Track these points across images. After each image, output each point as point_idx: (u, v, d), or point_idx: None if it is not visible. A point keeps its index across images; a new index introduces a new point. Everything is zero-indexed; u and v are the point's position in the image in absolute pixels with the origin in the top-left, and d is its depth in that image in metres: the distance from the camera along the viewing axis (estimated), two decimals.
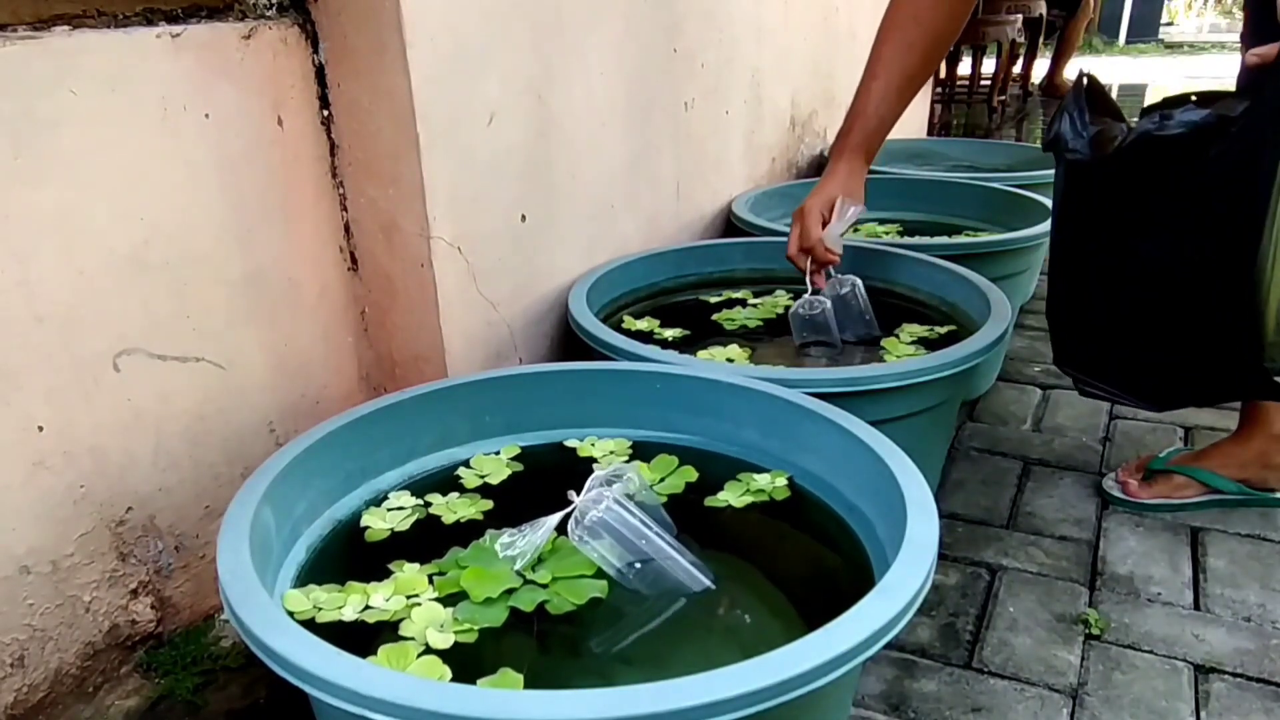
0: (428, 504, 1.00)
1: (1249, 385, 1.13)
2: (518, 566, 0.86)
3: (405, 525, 0.97)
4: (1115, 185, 1.08)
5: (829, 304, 1.39)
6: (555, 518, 0.87)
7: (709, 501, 1.00)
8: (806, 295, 1.39)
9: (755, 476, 1.03)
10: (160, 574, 1.05)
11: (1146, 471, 1.41)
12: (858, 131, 1.35)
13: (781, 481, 1.02)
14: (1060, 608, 1.17)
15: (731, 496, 1.01)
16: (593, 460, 1.08)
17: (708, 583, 0.86)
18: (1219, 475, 1.37)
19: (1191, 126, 1.01)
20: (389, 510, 0.99)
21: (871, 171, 2.31)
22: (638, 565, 0.86)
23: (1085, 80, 1.13)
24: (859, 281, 1.43)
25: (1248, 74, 1.08)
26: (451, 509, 0.99)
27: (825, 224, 1.35)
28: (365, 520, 0.97)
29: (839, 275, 1.44)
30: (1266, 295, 0.98)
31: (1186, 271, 1.04)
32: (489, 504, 1.00)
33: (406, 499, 1.01)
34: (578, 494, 0.90)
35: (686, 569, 0.86)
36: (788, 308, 1.54)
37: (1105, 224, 1.11)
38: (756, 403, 1.06)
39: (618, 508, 0.86)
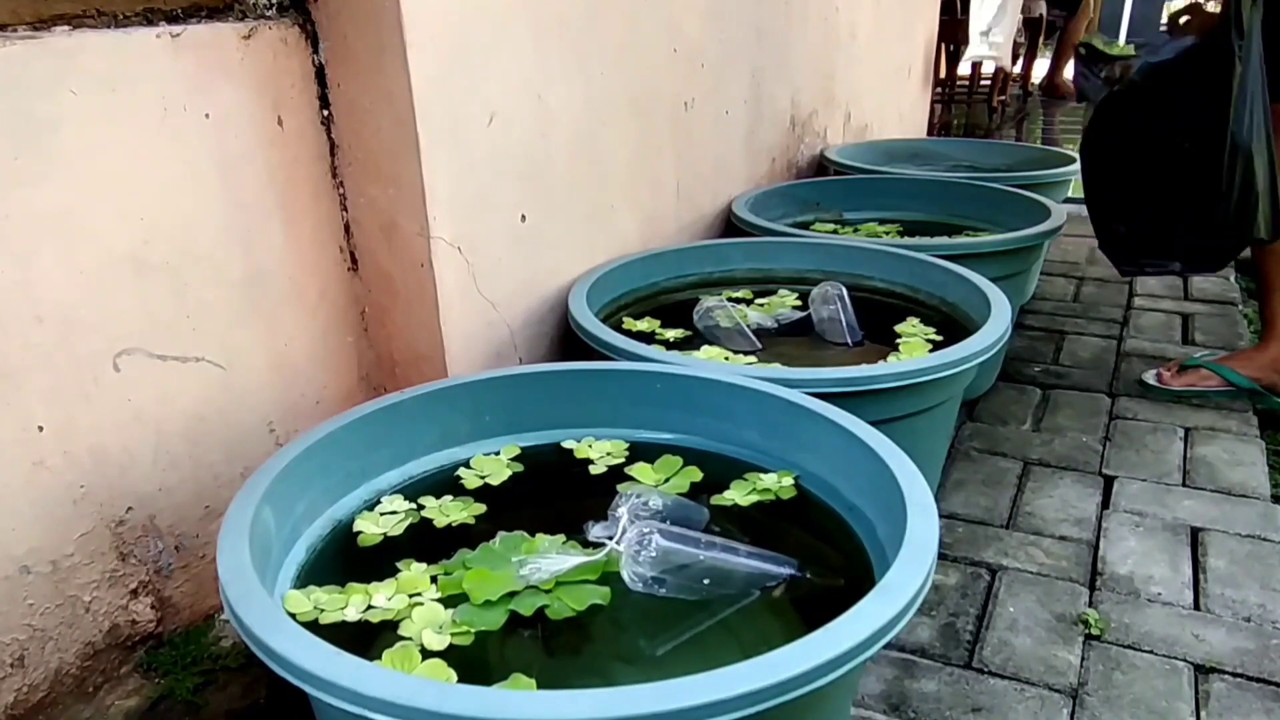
0: (421, 507, 1.00)
1: (1226, 243, 1.60)
2: (531, 582, 0.86)
3: (399, 530, 0.97)
4: (1136, 100, 1.62)
5: (838, 305, 1.42)
6: (579, 559, 0.87)
7: (715, 500, 1.00)
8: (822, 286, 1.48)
9: (761, 476, 1.03)
10: (160, 574, 1.05)
11: (1180, 367, 1.76)
12: None
13: (788, 481, 1.02)
14: (1060, 608, 1.17)
15: (738, 495, 1.01)
16: (589, 461, 1.08)
17: (789, 570, 0.87)
18: (1237, 373, 1.69)
19: (1178, 52, 1.56)
20: (381, 515, 0.99)
21: (871, 172, 2.33)
22: (706, 581, 0.86)
23: (1082, 49, 1.90)
24: (844, 290, 1.47)
25: None
26: (444, 512, 0.99)
27: None
28: (358, 525, 0.97)
29: (824, 285, 1.48)
30: (1232, 164, 1.47)
31: (1186, 146, 1.53)
32: (481, 508, 1.00)
33: (399, 503, 1.01)
34: (591, 520, 0.91)
35: (758, 565, 0.87)
36: (794, 307, 1.54)
37: (1134, 127, 1.61)
38: (757, 402, 1.06)
39: (666, 541, 0.86)
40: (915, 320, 1.47)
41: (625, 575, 0.85)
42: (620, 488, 0.99)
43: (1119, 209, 1.69)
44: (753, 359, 1.34)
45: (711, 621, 0.83)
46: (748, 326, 1.44)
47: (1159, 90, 1.58)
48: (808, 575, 0.87)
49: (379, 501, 1.01)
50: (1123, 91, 1.66)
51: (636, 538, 0.85)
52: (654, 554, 0.84)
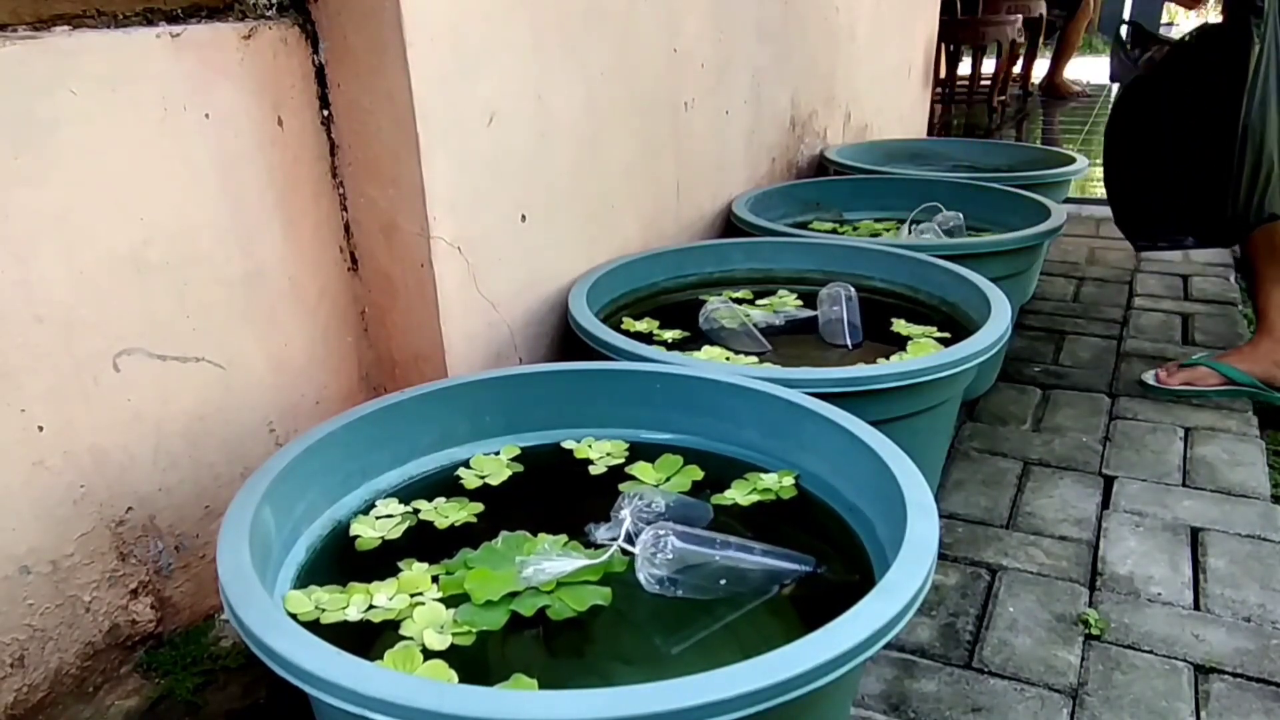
0: (416, 511, 1.00)
1: (1240, 220, 1.60)
2: (533, 584, 0.85)
3: (397, 533, 0.96)
4: (1157, 81, 1.68)
5: (841, 307, 1.43)
6: (583, 561, 0.87)
7: (715, 499, 1.00)
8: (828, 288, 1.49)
9: (762, 475, 1.03)
10: (160, 574, 1.06)
11: (1179, 367, 1.76)
12: None
13: (788, 481, 1.02)
14: (1060, 608, 1.17)
15: (738, 495, 1.01)
16: (589, 462, 1.08)
17: (805, 567, 0.87)
18: (1236, 369, 1.68)
19: (1196, 33, 1.67)
20: (378, 518, 0.98)
21: (871, 172, 2.33)
22: (722, 581, 0.86)
23: (1129, 26, 1.79)
24: (852, 291, 1.46)
25: None
26: (442, 514, 0.99)
27: None
28: (355, 529, 0.96)
29: (832, 286, 1.47)
30: (1244, 148, 1.51)
31: (1203, 122, 1.57)
32: (479, 506, 1.00)
33: (395, 506, 1.00)
34: (594, 521, 0.91)
35: (773, 564, 0.87)
36: (796, 307, 1.54)
37: (1154, 108, 1.66)
38: (756, 402, 1.06)
39: (682, 543, 0.86)
40: (903, 320, 1.47)
41: (641, 577, 0.85)
42: (622, 488, 0.99)
43: (1136, 186, 1.73)
44: (754, 360, 1.34)
45: (718, 625, 0.83)
46: (754, 327, 1.43)
47: (1179, 70, 1.64)
48: (824, 571, 0.87)
49: (374, 505, 1.01)
50: (1147, 75, 1.70)
51: (652, 540, 0.85)
52: (670, 555, 0.85)
